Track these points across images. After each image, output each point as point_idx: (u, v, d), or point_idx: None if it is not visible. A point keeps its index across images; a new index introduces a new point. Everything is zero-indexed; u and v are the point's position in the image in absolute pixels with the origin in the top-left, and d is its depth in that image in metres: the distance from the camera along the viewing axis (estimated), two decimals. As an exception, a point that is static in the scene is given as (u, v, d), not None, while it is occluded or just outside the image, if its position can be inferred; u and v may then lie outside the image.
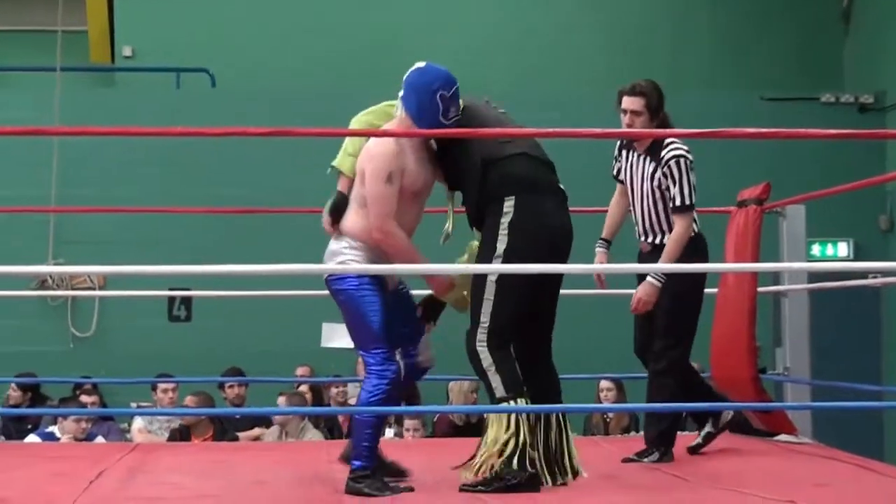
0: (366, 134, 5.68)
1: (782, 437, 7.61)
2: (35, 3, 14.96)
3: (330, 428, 10.22)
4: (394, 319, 5.59)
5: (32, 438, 9.57)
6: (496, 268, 5.51)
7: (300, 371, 11.82)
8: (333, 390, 11.07)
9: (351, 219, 5.58)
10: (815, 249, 13.27)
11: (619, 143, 6.85)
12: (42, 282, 12.61)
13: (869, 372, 12.51)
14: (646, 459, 6.54)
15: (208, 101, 13.24)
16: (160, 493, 5.46)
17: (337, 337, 12.80)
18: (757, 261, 7.47)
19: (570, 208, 5.84)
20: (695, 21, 14.51)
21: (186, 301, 12.74)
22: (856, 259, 13.33)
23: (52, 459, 6.89)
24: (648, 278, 6.46)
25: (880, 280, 8.77)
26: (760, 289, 7.62)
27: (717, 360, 7.78)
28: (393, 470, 5.78)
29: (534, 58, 14.30)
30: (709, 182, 12.07)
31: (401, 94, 5.69)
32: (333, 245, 5.63)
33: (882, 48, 13.79)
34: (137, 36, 14.21)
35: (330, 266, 5.57)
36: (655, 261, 6.54)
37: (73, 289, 12.86)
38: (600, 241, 6.94)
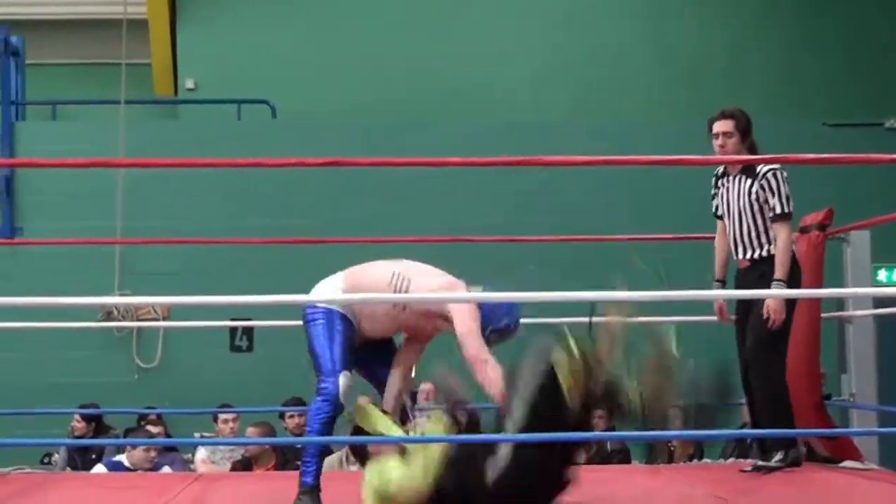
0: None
1: (847, 463, 7.52)
2: (99, 37, 15.12)
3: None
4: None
5: (99, 469, 9.62)
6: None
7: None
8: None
9: (364, 287, 5.86)
10: (882, 275, 13.13)
11: (714, 178, 7.18)
12: (108, 313, 12.71)
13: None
14: (773, 461, 6.82)
15: (269, 132, 13.32)
16: (224, 523, 5.48)
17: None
18: (820, 286, 7.40)
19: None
20: (752, 48, 14.45)
21: (248, 331, 12.78)
22: (921, 284, 13.20)
23: (118, 490, 6.94)
24: (773, 288, 6.68)
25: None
26: (824, 315, 7.56)
27: (781, 386, 7.70)
28: None
29: (590, 86, 14.29)
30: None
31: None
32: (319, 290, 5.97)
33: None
34: (200, 68, 14.36)
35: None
36: (755, 276, 6.84)
37: (138, 320, 12.95)
38: (716, 283, 7.27)
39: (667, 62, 14.53)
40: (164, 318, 12.80)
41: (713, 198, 7.20)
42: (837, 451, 7.61)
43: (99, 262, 12.74)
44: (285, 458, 9.92)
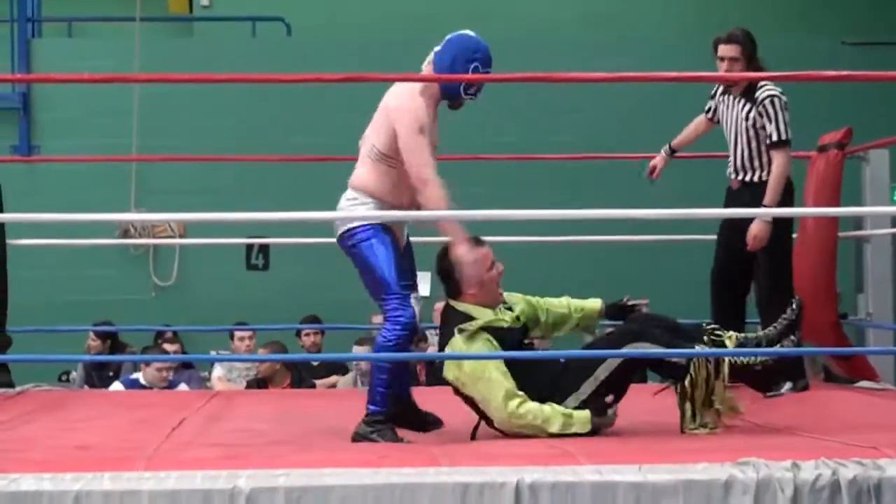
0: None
1: (863, 383, 7.53)
2: (115, -46, 15.05)
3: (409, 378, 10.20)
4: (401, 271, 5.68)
5: (116, 386, 9.69)
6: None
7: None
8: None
9: (363, 174, 5.72)
10: (901, 195, 13.07)
11: (716, 86, 7.20)
12: (125, 231, 12.72)
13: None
14: (784, 390, 6.79)
15: (284, 50, 13.27)
16: (239, 440, 5.51)
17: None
18: (838, 206, 7.39)
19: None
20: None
21: (264, 249, 12.80)
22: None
23: (135, 407, 6.96)
24: (760, 217, 6.69)
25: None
26: (841, 234, 7.54)
27: (796, 305, 7.70)
28: (427, 419, 5.88)
29: (602, 5, 14.14)
30: (791, 127, 12.04)
31: (437, 48, 5.81)
32: (343, 203, 5.74)
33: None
34: (215, -16, 14.29)
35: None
36: (744, 197, 6.87)
37: (154, 237, 12.98)
38: (666, 147, 7.35)
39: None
40: (181, 236, 12.81)
41: (710, 98, 7.22)
42: (853, 371, 7.63)
43: (115, 180, 12.74)
44: (300, 376, 9.96)
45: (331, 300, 12.05)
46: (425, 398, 6.74)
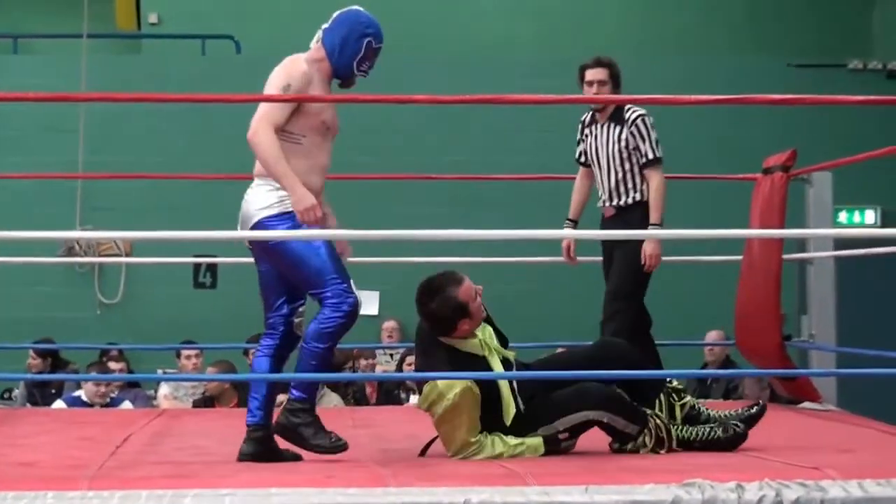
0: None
1: (806, 404, 7.60)
2: (62, -31, 14.98)
3: (357, 399, 10.20)
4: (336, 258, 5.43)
5: (59, 404, 9.62)
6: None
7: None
8: (363, 362, 11.06)
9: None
10: (843, 216, 13.21)
11: (580, 125, 7.19)
12: (69, 248, 12.65)
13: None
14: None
15: (234, 68, 13.21)
16: (186, 458, 5.50)
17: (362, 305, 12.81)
18: (782, 228, 7.45)
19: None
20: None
21: (212, 268, 12.77)
22: (884, 226, 13.26)
23: (80, 424, 6.95)
24: (649, 231, 6.77)
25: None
26: (786, 256, 7.60)
27: (741, 326, 7.78)
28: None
29: (557, 22, 14.20)
30: (735, 149, 12.12)
31: (325, 26, 5.65)
32: (259, 192, 5.42)
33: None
34: (163, 2, 14.21)
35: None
36: (619, 224, 6.89)
37: (100, 255, 12.90)
38: (567, 222, 7.32)
39: (644, 3, 14.51)
40: (127, 254, 12.75)
41: (578, 143, 7.22)
42: (796, 391, 7.70)
43: (61, 197, 12.69)
44: (247, 395, 9.91)
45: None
46: (375, 416, 6.76)
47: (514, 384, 5.61)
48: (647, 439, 5.59)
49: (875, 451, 5.68)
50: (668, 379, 5.91)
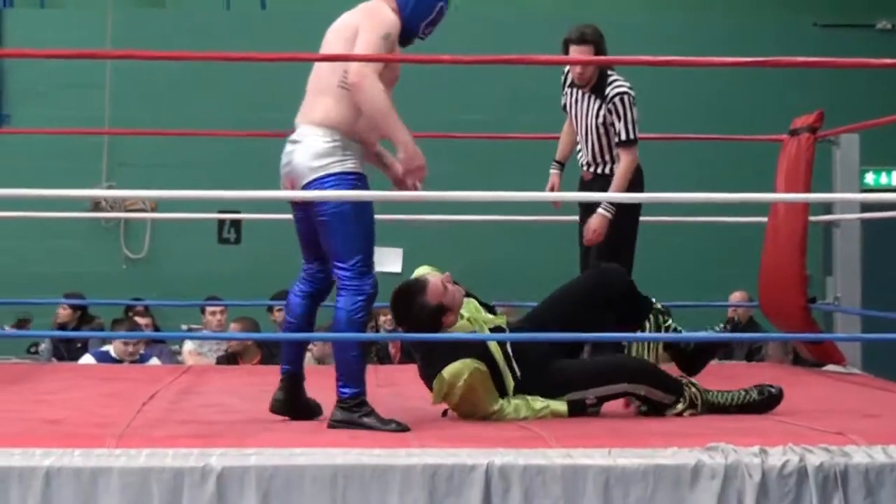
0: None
1: (830, 367, 7.59)
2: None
3: (381, 357, 10.23)
4: None
5: (87, 359, 9.65)
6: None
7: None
8: (382, 318, 11.07)
9: (331, 107, 5.22)
10: (869, 178, 13.15)
11: (563, 79, 6.97)
12: (96, 204, 12.68)
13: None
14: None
15: (258, 23, 13.23)
16: (211, 416, 5.52)
17: (383, 262, 12.82)
18: (809, 190, 7.41)
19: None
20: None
21: (236, 223, 12.81)
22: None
23: (106, 381, 6.96)
24: (600, 209, 6.61)
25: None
26: (811, 218, 7.57)
27: (765, 288, 7.76)
28: (311, 406, 5.49)
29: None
30: (761, 110, 12.09)
31: None
32: (318, 143, 5.17)
33: (941, -28, 13.60)
34: (189, -44, 14.19)
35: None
36: (596, 188, 6.72)
37: (125, 211, 12.94)
38: (554, 163, 7.15)
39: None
40: (152, 210, 12.78)
41: (563, 94, 6.98)
42: (821, 355, 7.69)
43: (87, 152, 12.72)
44: (270, 352, 9.95)
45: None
46: (398, 375, 6.76)
47: (509, 350, 5.57)
48: (679, 406, 5.61)
49: (900, 416, 5.67)
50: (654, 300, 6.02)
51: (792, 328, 7.45)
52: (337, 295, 5.23)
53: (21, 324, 11.73)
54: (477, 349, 5.47)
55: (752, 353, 10.00)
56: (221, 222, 12.74)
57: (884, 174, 13.26)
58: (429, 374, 5.53)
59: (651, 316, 5.95)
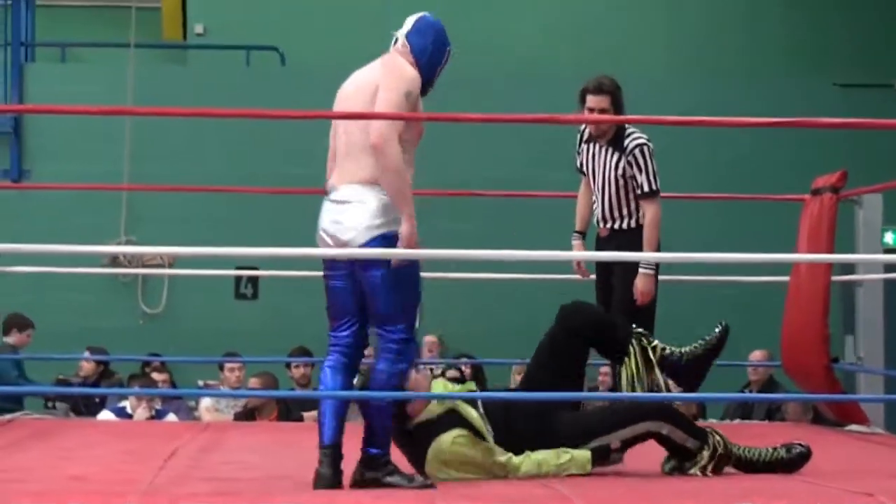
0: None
1: (853, 427, 7.54)
2: (110, -21, 15.08)
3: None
4: None
5: (106, 415, 9.64)
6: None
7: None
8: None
9: (377, 167, 5.10)
10: (888, 237, 13.09)
11: (579, 136, 6.93)
12: (114, 258, 12.69)
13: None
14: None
15: (278, 80, 13.27)
16: (233, 474, 5.50)
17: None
18: (832, 250, 7.39)
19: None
20: (765, 6, 14.30)
21: (253, 278, 12.80)
22: (926, 246, 13.20)
23: (126, 437, 6.96)
24: (641, 269, 6.52)
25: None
26: (834, 278, 7.56)
27: (788, 348, 7.73)
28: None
29: (604, 41, 14.10)
30: (782, 169, 12.08)
31: (405, 30, 5.45)
32: (371, 203, 5.08)
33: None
34: (209, 13, 14.24)
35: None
36: (613, 245, 6.67)
37: (143, 266, 12.94)
38: (575, 234, 7.06)
39: (680, 20, 14.43)
40: (170, 265, 12.76)
41: (577, 154, 6.94)
42: (844, 414, 7.65)
43: (106, 206, 12.72)
44: (287, 408, 9.93)
45: (319, 331, 11.92)
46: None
47: (481, 410, 5.54)
48: (705, 454, 5.54)
49: (928, 478, 5.62)
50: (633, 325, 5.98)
51: (815, 388, 7.42)
52: (379, 357, 5.17)
53: (61, 382, 11.63)
54: (452, 422, 5.43)
55: (772, 412, 9.93)
56: (238, 278, 12.74)
57: (890, 233, 13.17)
58: (417, 464, 5.43)
59: (633, 341, 5.83)
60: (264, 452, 6.26)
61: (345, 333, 5.26)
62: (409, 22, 5.47)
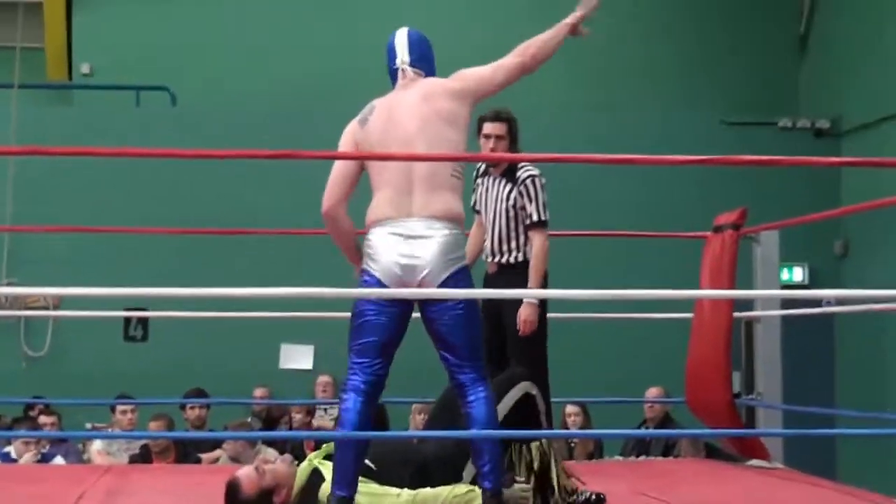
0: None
1: (754, 462, 7.62)
2: (-8, 19, 14.82)
3: (296, 454, 10.09)
4: None
5: (-8, 461, 9.42)
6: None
7: (258, 392, 11.74)
8: (297, 416, 10.97)
9: (451, 200, 5.23)
10: (784, 274, 13.30)
11: (475, 172, 6.94)
12: (-6, 301, 12.46)
13: (822, 395, 12.58)
14: None
15: (168, 120, 13.14)
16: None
17: (294, 358, 12.75)
18: (733, 286, 7.48)
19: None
20: (657, 46, 14.49)
21: (143, 321, 12.63)
22: (811, 283, 13.44)
23: (25, 482, 6.81)
24: (526, 300, 6.46)
25: (843, 308, 8.92)
26: (735, 314, 7.65)
27: (692, 384, 7.79)
28: None
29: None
30: (681, 206, 12.22)
31: (410, 58, 5.49)
32: (450, 237, 5.17)
33: (837, 72, 13.91)
34: (96, 53, 14.06)
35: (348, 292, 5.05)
36: (501, 281, 6.60)
37: (26, 308, 12.71)
38: None
39: (572, 56, 14.55)
40: (55, 307, 12.56)
41: (473, 191, 6.88)
42: (745, 450, 7.73)
43: (-13, 249, 12.51)
44: (185, 450, 9.80)
45: (210, 372, 11.85)
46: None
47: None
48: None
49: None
50: None
51: (718, 423, 7.49)
52: (470, 394, 5.18)
53: None
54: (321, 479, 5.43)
55: (669, 448, 10.01)
56: (128, 320, 12.56)
57: (785, 270, 13.36)
58: None
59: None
60: (175, 495, 6.16)
61: (378, 366, 5.20)
62: (405, 47, 5.49)
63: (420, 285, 5.10)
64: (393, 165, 5.20)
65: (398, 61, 5.44)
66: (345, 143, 5.39)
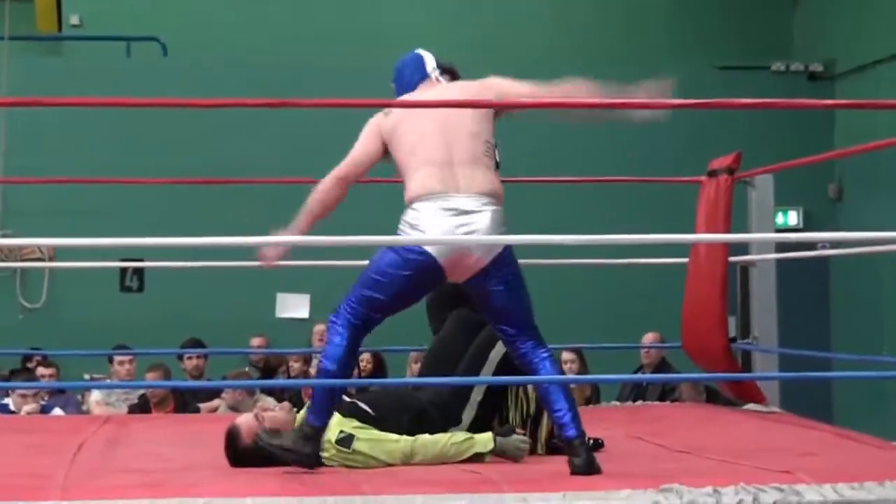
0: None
1: (751, 406, 7.64)
2: (-19, -29, 14.73)
3: (295, 402, 10.12)
4: None
5: (-10, 411, 9.45)
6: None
7: (255, 342, 11.77)
8: (294, 365, 11.01)
9: (493, 177, 5.32)
10: (780, 218, 13.32)
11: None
12: (-9, 253, 12.46)
13: (818, 339, 12.60)
14: None
15: (160, 70, 13.10)
16: (151, 465, 5.42)
17: (290, 307, 12.77)
18: (728, 230, 7.46)
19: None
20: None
21: (139, 271, 12.64)
22: (806, 227, 13.47)
23: (23, 432, 6.82)
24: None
25: (837, 251, 8.93)
26: (730, 259, 7.64)
27: (688, 329, 7.80)
28: None
29: (480, 33, 14.08)
30: (676, 152, 12.20)
31: (434, 63, 5.71)
32: (499, 212, 5.25)
33: (830, 16, 13.89)
34: (86, 4, 14.01)
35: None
36: None
37: (22, 260, 12.70)
38: None
39: (562, 4, 14.52)
40: (51, 258, 12.55)
41: None
42: (741, 394, 7.74)
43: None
44: (184, 400, 9.84)
45: (207, 322, 11.87)
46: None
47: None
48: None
49: (836, 454, 5.72)
50: None
51: (715, 367, 7.50)
52: (535, 358, 5.30)
53: None
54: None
55: (666, 393, 10.03)
56: (124, 270, 12.56)
57: (780, 214, 13.39)
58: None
59: None
60: (175, 443, 6.19)
61: (379, 320, 5.32)
62: (432, 59, 5.73)
63: (476, 262, 5.18)
64: (430, 145, 5.26)
65: (429, 68, 5.64)
66: (369, 132, 5.48)
